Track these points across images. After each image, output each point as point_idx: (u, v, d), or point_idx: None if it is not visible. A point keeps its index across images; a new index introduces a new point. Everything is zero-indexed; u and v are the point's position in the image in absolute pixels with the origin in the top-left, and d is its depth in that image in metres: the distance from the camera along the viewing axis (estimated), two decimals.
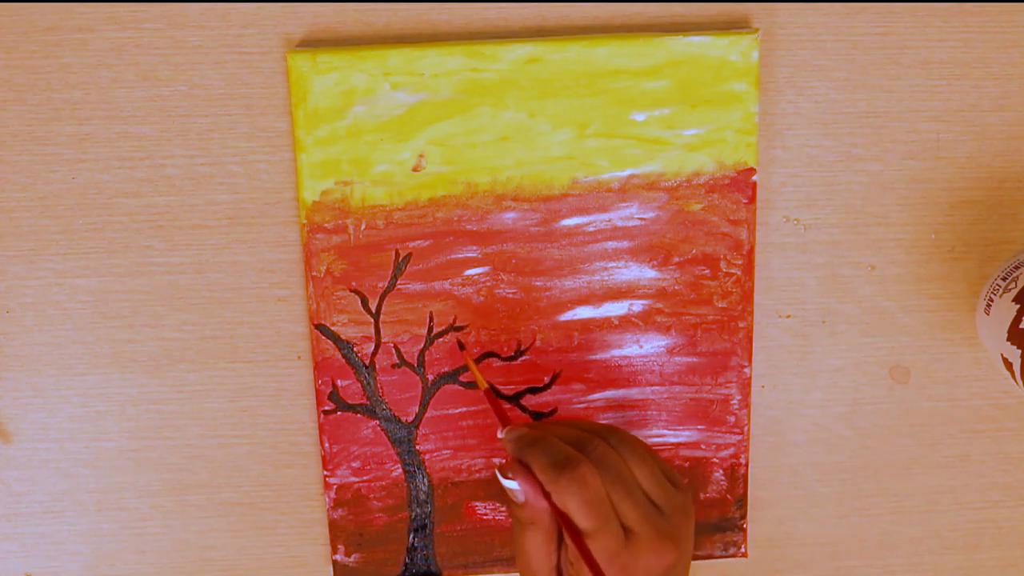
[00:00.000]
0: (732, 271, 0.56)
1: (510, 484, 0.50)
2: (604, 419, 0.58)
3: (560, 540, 0.50)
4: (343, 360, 0.57)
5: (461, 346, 0.57)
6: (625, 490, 0.49)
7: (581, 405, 0.58)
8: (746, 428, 0.59)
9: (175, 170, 0.55)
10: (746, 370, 0.58)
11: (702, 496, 0.60)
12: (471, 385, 0.57)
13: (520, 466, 0.50)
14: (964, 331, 0.60)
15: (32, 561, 0.60)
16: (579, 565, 0.49)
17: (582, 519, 0.48)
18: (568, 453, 0.49)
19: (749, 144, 0.55)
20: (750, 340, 0.57)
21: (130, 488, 0.59)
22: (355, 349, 0.56)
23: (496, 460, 0.59)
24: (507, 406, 0.58)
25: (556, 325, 0.57)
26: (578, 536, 0.48)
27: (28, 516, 0.59)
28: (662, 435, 0.59)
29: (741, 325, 0.57)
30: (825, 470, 0.61)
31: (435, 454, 0.58)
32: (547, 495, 0.49)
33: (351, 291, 0.56)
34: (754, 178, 0.55)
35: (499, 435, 0.52)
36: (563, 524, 0.48)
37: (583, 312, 0.57)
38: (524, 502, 0.49)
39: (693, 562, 0.61)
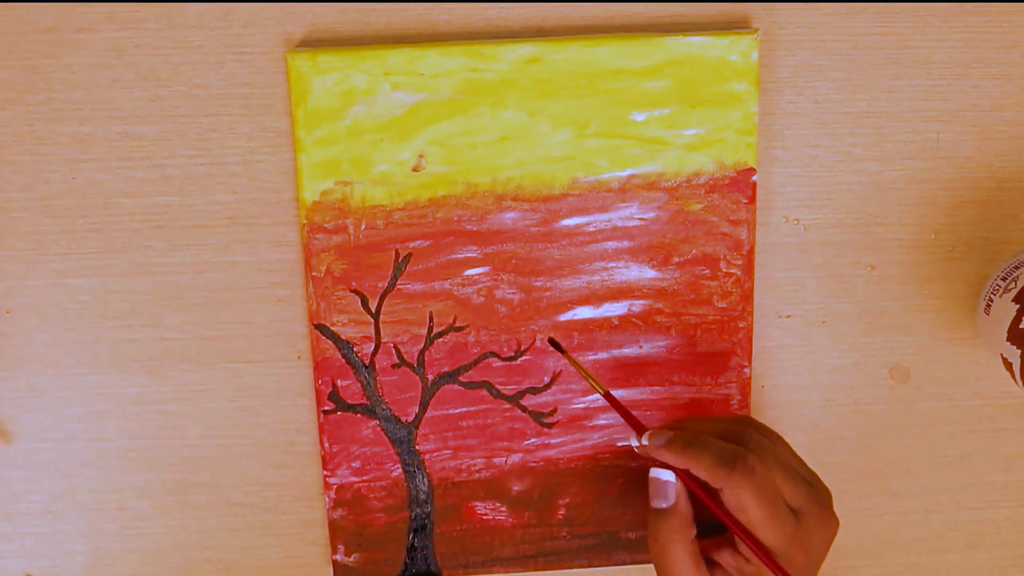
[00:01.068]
0: (732, 271, 0.56)
1: (667, 476, 0.50)
2: (604, 419, 0.58)
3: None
4: (343, 360, 0.57)
5: (559, 347, 0.56)
6: (785, 472, 0.50)
7: (581, 405, 0.58)
8: None
9: (175, 170, 0.55)
10: (746, 370, 0.58)
11: None
12: (471, 385, 0.57)
13: (680, 472, 0.51)
14: (964, 331, 0.60)
15: (32, 561, 0.60)
16: (756, 563, 0.50)
17: (758, 510, 0.48)
18: (732, 448, 0.49)
19: (749, 144, 0.55)
20: (750, 340, 0.57)
21: (130, 488, 0.59)
22: (355, 349, 0.56)
23: (496, 461, 0.59)
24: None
25: (556, 325, 0.57)
26: (749, 534, 0.49)
27: (28, 516, 0.59)
28: None
29: (741, 325, 0.57)
30: (825, 470, 0.61)
31: (435, 454, 0.58)
32: (710, 498, 0.49)
33: (351, 291, 0.56)
34: (754, 178, 0.55)
35: (641, 442, 0.52)
36: (730, 524, 0.49)
37: (583, 312, 0.57)
38: (673, 508, 0.50)
39: None
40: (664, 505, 0.51)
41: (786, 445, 0.53)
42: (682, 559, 0.51)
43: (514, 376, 0.57)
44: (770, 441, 0.52)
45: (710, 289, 0.57)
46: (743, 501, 0.49)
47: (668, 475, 0.51)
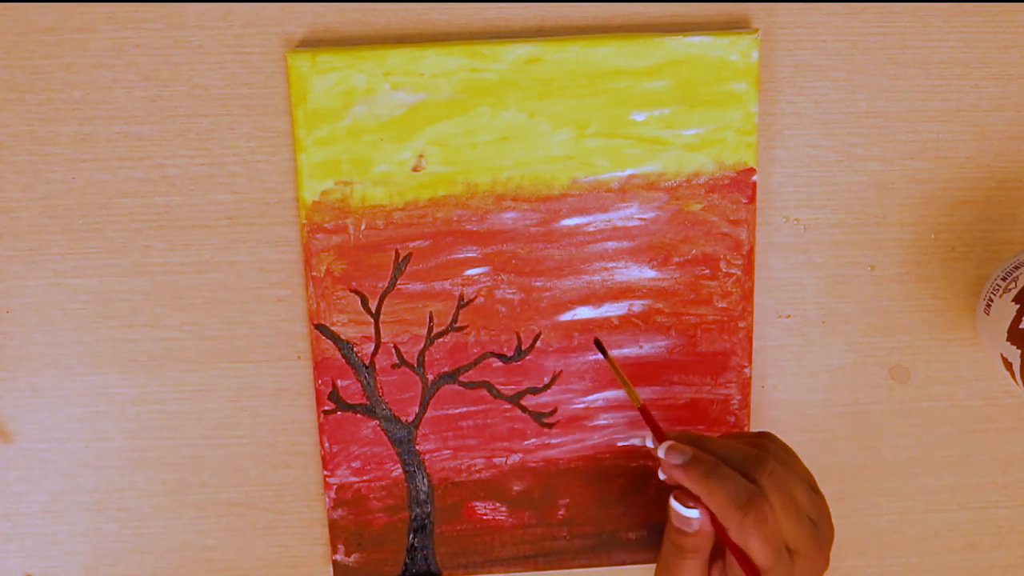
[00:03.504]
0: (732, 271, 0.56)
1: (690, 513, 0.49)
2: (604, 419, 0.58)
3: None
4: (343, 360, 0.57)
5: (603, 350, 0.55)
6: (795, 514, 0.49)
7: (581, 405, 0.58)
8: (746, 428, 0.59)
9: (175, 170, 0.55)
10: (746, 370, 0.58)
11: None
12: (471, 385, 0.57)
13: (690, 494, 0.49)
14: (964, 331, 0.60)
15: (32, 561, 0.60)
16: None
17: (762, 557, 0.48)
18: (749, 491, 0.48)
19: (749, 144, 0.55)
20: (750, 340, 0.57)
21: (130, 488, 0.59)
22: (355, 349, 0.56)
23: (496, 461, 0.59)
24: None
25: (556, 325, 0.57)
26: (754, 570, 0.49)
27: (28, 516, 0.59)
28: None
29: (741, 325, 0.57)
30: (825, 470, 0.61)
31: (435, 454, 0.58)
32: (723, 530, 0.49)
33: (351, 291, 0.56)
34: (754, 178, 0.55)
35: (659, 454, 0.51)
36: (738, 558, 0.49)
37: (583, 312, 0.57)
38: (696, 531, 0.49)
39: None
40: (688, 530, 0.50)
41: (802, 479, 0.51)
42: (693, 572, 0.51)
43: (514, 376, 0.57)
44: (787, 473, 0.50)
45: (710, 289, 0.57)
46: (748, 545, 0.48)
47: (692, 512, 0.49)
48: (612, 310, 0.57)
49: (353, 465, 0.58)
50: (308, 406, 0.58)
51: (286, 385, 0.58)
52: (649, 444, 0.52)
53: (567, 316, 0.57)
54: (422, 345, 0.57)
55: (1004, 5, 0.55)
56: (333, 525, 0.59)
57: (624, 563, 0.60)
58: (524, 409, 0.58)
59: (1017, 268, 0.56)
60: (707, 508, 0.49)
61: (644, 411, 0.53)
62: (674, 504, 0.50)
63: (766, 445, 0.51)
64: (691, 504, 0.49)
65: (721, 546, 0.51)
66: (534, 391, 0.58)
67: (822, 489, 0.61)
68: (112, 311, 0.57)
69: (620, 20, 0.54)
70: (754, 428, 0.60)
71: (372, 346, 0.56)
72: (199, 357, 0.57)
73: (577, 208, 0.55)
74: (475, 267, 0.56)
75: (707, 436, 0.52)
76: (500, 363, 0.57)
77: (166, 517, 0.60)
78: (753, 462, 0.49)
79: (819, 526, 0.50)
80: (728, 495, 0.48)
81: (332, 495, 0.58)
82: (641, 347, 0.57)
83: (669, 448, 0.50)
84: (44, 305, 0.56)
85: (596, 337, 0.56)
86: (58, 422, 0.58)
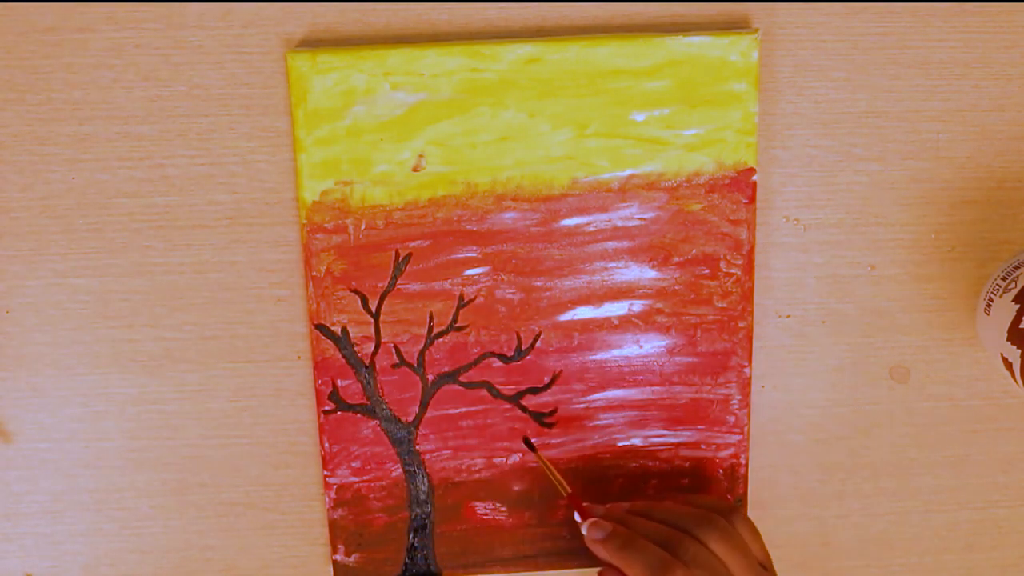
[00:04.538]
0: (732, 271, 0.56)
1: None
2: (604, 419, 0.58)
3: None
4: (343, 360, 0.57)
5: (532, 447, 0.57)
6: None
7: (581, 405, 0.58)
8: (746, 428, 0.59)
9: (175, 170, 0.55)
10: (746, 370, 0.58)
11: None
12: (471, 385, 0.57)
13: (614, 569, 0.52)
14: (964, 331, 0.60)
15: (32, 561, 0.60)
16: None
17: None
18: (663, 558, 0.50)
19: (749, 144, 0.55)
20: (750, 340, 0.57)
21: (130, 488, 0.59)
22: (355, 349, 0.56)
23: (496, 461, 0.59)
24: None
25: (556, 325, 0.57)
26: None
27: (28, 516, 0.59)
28: (662, 435, 0.59)
29: (741, 325, 0.57)
30: (825, 470, 0.61)
31: (435, 454, 0.58)
32: None
33: (351, 291, 0.56)
34: (754, 178, 0.55)
35: (583, 531, 0.54)
36: None
37: (583, 312, 0.57)
38: None
39: None
40: None
41: (740, 554, 0.52)
42: None
43: (514, 376, 0.57)
44: (713, 551, 0.52)
45: (710, 289, 0.57)
46: None
47: None
48: (612, 310, 0.57)
49: (353, 465, 0.58)
50: (308, 406, 0.58)
51: (286, 385, 0.58)
52: (583, 531, 0.55)
53: (567, 316, 0.57)
54: (422, 345, 0.57)
55: (1004, 5, 0.55)
56: (333, 525, 0.59)
57: None
58: (524, 409, 0.58)
59: (1017, 268, 0.56)
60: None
61: (571, 497, 0.56)
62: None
63: (693, 522, 0.53)
64: None
65: None
66: (534, 391, 0.58)
67: (823, 489, 0.61)
68: (112, 311, 0.57)
69: (620, 20, 0.54)
70: (754, 428, 0.60)
71: (372, 346, 0.56)
72: (199, 357, 0.57)
73: (577, 208, 0.55)
74: (475, 267, 0.56)
75: (644, 511, 0.55)
76: (500, 363, 0.57)
77: (166, 517, 0.60)
78: (673, 541, 0.52)
79: None
80: (643, 564, 0.51)
81: (332, 495, 0.58)
82: (641, 347, 0.57)
83: (591, 525, 0.54)
84: (44, 305, 0.56)
85: (525, 436, 0.58)
86: (58, 422, 0.58)
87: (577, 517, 0.55)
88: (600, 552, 0.53)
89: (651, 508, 0.55)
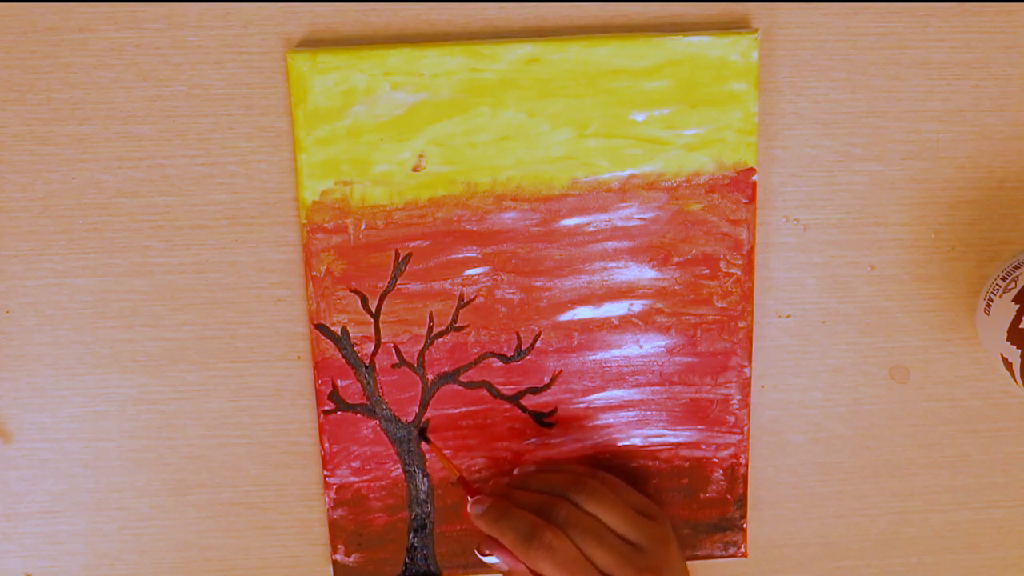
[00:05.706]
0: (732, 271, 0.56)
1: (489, 560, 0.54)
2: (604, 419, 0.58)
3: None
4: (343, 360, 0.57)
5: (426, 439, 0.58)
6: (596, 540, 0.52)
7: (581, 405, 0.58)
8: (746, 428, 0.59)
9: (175, 170, 0.55)
10: (746, 370, 0.58)
11: (702, 496, 0.60)
12: (471, 385, 0.57)
13: (493, 540, 0.54)
14: (964, 331, 0.60)
15: (32, 561, 0.60)
16: None
17: None
18: (532, 523, 0.52)
19: (749, 144, 0.55)
20: (750, 340, 0.57)
21: (130, 488, 0.59)
22: (355, 349, 0.56)
23: (497, 460, 0.59)
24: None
25: (556, 325, 0.57)
26: None
27: (28, 516, 0.59)
28: (662, 435, 0.59)
29: (741, 325, 0.57)
30: (825, 470, 0.61)
31: (435, 454, 0.58)
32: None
33: (351, 291, 0.56)
34: (754, 178, 0.55)
35: (468, 509, 0.55)
36: None
37: (583, 312, 0.57)
38: (509, 570, 0.53)
39: (693, 562, 0.61)
40: (504, 571, 0.54)
41: (615, 508, 0.53)
42: None
43: (514, 376, 0.57)
44: (586, 509, 0.53)
45: (710, 289, 0.57)
46: (542, 572, 0.51)
47: (490, 559, 0.54)
48: (612, 310, 0.57)
49: (353, 465, 0.58)
50: (308, 406, 0.58)
51: (286, 385, 0.58)
52: (468, 509, 0.56)
53: (567, 316, 0.57)
54: (422, 345, 0.57)
55: (1004, 5, 0.55)
56: (333, 525, 0.59)
57: None
58: (524, 409, 0.58)
59: (1017, 268, 0.56)
60: (508, 551, 0.53)
61: (461, 479, 0.57)
62: (476, 552, 0.55)
63: (567, 485, 0.54)
64: (487, 552, 0.54)
65: None
66: (534, 391, 0.58)
67: (823, 489, 0.61)
68: (112, 311, 0.57)
69: (620, 20, 0.54)
70: (754, 428, 0.60)
71: (372, 346, 0.56)
72: (199, 357, 0.57)
73: (577, 208, 0.55)
74: (475, 267, 0.56)
75: (522, 483, 0.56)
76: (500, 363, 0.57)
77: (166, 517, 0.60)
78: (545, 506, 0.53)
79: (645, 548, 0.53)
80: (514, 531, 0.52)
81: (332, 495, 0.58)
82: (641, 347, 0.57)
83: (473, 502, 0.55)
84: (44, 305, 0.56)
85: (420, 427, 0.58)
86: (58, 422, 0.58)
87: (469, 508, 0.56)
88: (481, 526, 0.54)
89: (527, 480, 0.57)
